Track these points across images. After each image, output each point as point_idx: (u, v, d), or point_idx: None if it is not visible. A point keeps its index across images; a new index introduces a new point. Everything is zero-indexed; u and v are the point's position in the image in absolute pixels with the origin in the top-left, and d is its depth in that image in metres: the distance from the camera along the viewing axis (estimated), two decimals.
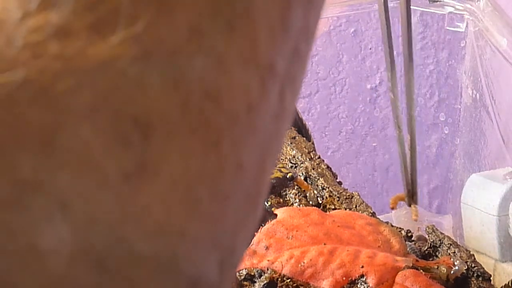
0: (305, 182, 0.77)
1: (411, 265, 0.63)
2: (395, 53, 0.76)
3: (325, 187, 0.77)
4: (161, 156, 0.18)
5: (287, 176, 0.73)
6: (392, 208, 0.78)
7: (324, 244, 0.64)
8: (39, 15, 0.18)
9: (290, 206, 0.74)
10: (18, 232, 0.17)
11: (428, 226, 0.73)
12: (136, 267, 0.18)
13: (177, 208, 0.19)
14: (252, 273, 0.65)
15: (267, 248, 0.63)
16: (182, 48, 0.19)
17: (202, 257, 0.20)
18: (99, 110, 0.17)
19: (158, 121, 0.18)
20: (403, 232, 0.73)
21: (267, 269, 0.63)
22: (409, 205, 0.79)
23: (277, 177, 0.73)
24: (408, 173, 0.73)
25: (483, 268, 0.67)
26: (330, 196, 0.76)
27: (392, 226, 0.72)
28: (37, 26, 0.18)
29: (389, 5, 0.70)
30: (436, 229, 0.73)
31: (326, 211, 0.72)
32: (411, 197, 0.76)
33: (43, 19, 0.18)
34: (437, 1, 0.91)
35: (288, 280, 0.63)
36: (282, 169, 0.74)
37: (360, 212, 0.73)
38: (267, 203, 0.72)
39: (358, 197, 0.76)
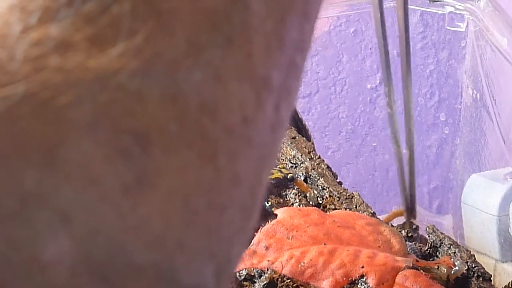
0: (304, 184, 0.77)
1: (411, 265, 0.63)
2: (395, 52, 0.76)
3: (325, 187, 0.77)
4: (159, 168, 0.19)
5: (287, 177, 0.73)
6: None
7: (324, 244, 0.64)
8: (39, 28, 0.18)
9: (290, 206, 0.74)
10: (21, 244, 0.17)
11: (428, 226, 0.73)
12: (136, 278, 0.19)
13: (175, 219, 0.19)
14: (252, 273, 0.65)
15: (267, 248, 0.63)
16: (181, 61, 0.19)
17: (199, 267, 0.20)
18: (99, 123, 0.18)
19: (157, 134, 0.18)
20: (403, 232, 0.73)
21: (267, 269, 0.63)
22: (408, 221, 0.78)
23: (277, 177, 0.73)
24: (407, 189, 0.73)
25: (484, 268, 0.67)
26: (330, 196, 0.76)
27: (393, 226, 0.72)
28: (37, 40, 0.18)
29: (387, 5, 0.70)
30: (437, 229, 0.73)
31: (326, 211, 0.72)
32: (410, 213, 0.76)
33: (44, 32, 0.18)
34: (437, 1, 0.91)
35: (288, 281, 0.63)
36: (283, 170, 0.74)
37: (360, 212, 0.73)
38: (267, 203, 0.72)
39: (358, 197, 0.76)
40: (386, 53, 0.60)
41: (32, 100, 0.17)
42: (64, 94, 0.17)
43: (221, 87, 0.20)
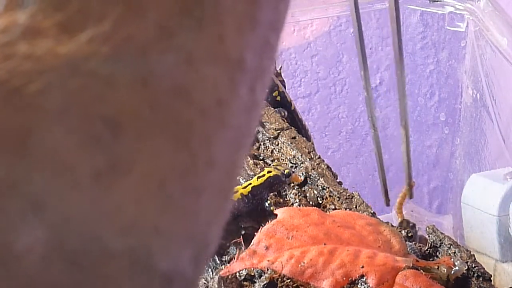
0: (299, 177, 0.77)
1: (411, 265, 0.63)
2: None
3: (325, 187, 0.77)
4: (132, 154, 0.18)
5: (284, 173, 0.73)
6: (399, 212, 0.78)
7: (324, 244, 0.64)
8: (6, 15, 0.18)
9: (290, 206, 0.74)
10: None
11: (428, 226, 0.73)
12: (111, 265, 0.19)
13: (150, 205, 0.19)
14: (252, 273, 0.65)
15: (267, 248, 0.63)
16: (152, 45, 0.19)
17: (176, 252, 0.20)
18: (70, 110, 0.18)
19: (128, 119, 0.18)
20: (403, 232, 0.73)
21: (267, 269, 0.63)
22: (411, 197, 0.78)
23: (275, 175, 0.73)
24: (406, 168, 0.73)
25: (484, 268, 0.67)
26: (330, 196, 0.76)
27: (393, 226, 0.72)
28: (5, 27, 0.18)
29: (388, 5, 0.70)
30: (437, 229, 0.73)
31: (326, 211, 0.72)
32: (410, 194, 0.76)
33: (11, 19, 0.18)
34: (437, 1, 0.91)
35: (288, 280, 0.63)
36: (279, 167, 0.74)
37: (360, 212, 0.73)
38: (267, 202, 0.72)
39: (358, 197, 0.76)
40: (360, 34, 0.60)
41: (2, 88, 0.17)
42: (34, 81, 0.17)
43: (194, 70, 0.20)
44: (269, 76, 0.24)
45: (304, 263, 0.62)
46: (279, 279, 0.63)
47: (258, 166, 0.79)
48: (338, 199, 0.75)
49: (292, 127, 0.86)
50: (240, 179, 0.76)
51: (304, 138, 0.85)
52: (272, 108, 0.88)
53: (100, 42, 0.18)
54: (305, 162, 0.80)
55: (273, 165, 0.78)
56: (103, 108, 0.18)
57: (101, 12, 0.18)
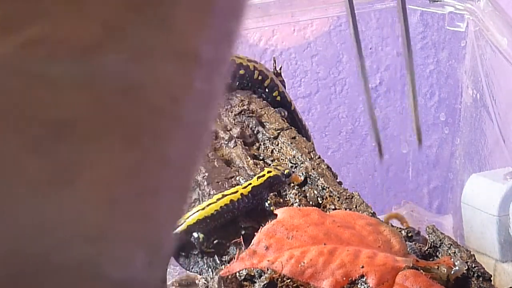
0: (298, 177, 0.77)
1: (411, 265, 0.63)
2: (395, 52, 0.76)
3: (325, 187, 0.77)
4: (77, 158, 0.18)
5: (284, 173, 0.73)
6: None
7: (324, 244, 0.64)
8: None
9: (290, 206, 0.74)
10: None
11: (428, 226, 0.73)
12: (57, 278, 0.18)
13: (100, 210, 0.18)
14: (252, 273, 0.65)
15: (267, 248, 0.63)
16: (96, 45, 0.18)
17: (128, 258, 0.19)
18: (11, 115, 0.17)
19: (72, 122, 0.18)
20: (403, 232, 0.73)
21: (267, 269, 0.63)
22: (420, 143, 0.77)
23: (275, 175, 0.73)
24: (414, 121, 0.72)
25: (484, 268, 0.67)
26: (330, 196, 0.76)
27: (392, 226, 0.72)
28: None
29: (388, 5, 0.70)
30: (437, 229, 0.73)
31: (326, 211, 0.72)
32: (419, 142, 0.76)
33: None
34: (437, 1, 0.91)
35: (288, 280, 0.63)
36: (279, 167, 0.74)
37: (360, 212, 0.73)
38: (267, 202, 0.72)
39: (358, 197, 0.76)
40: (355, 26, 0.60)
41: None
42: None
43: (144, 67, 0.19)
44: (228, 64, 0.22)
45: (304, 263, 0.62)
46: (279, 279, 0.63)
47: (258, 166, 0.79)
48: (338, 199, 0.75)
49: (292, 127, 0.86)
50: (240, 179, 0.76)
51: (304, 138, 0.85)
52: (272, 108, 0.88)
53: (38, 42, 0.17)
54: (305, 162, 0.80)
55: (273, 165, 0.78)
56: (44, 112, 0.17)
57: (40, 11, 0.17)
